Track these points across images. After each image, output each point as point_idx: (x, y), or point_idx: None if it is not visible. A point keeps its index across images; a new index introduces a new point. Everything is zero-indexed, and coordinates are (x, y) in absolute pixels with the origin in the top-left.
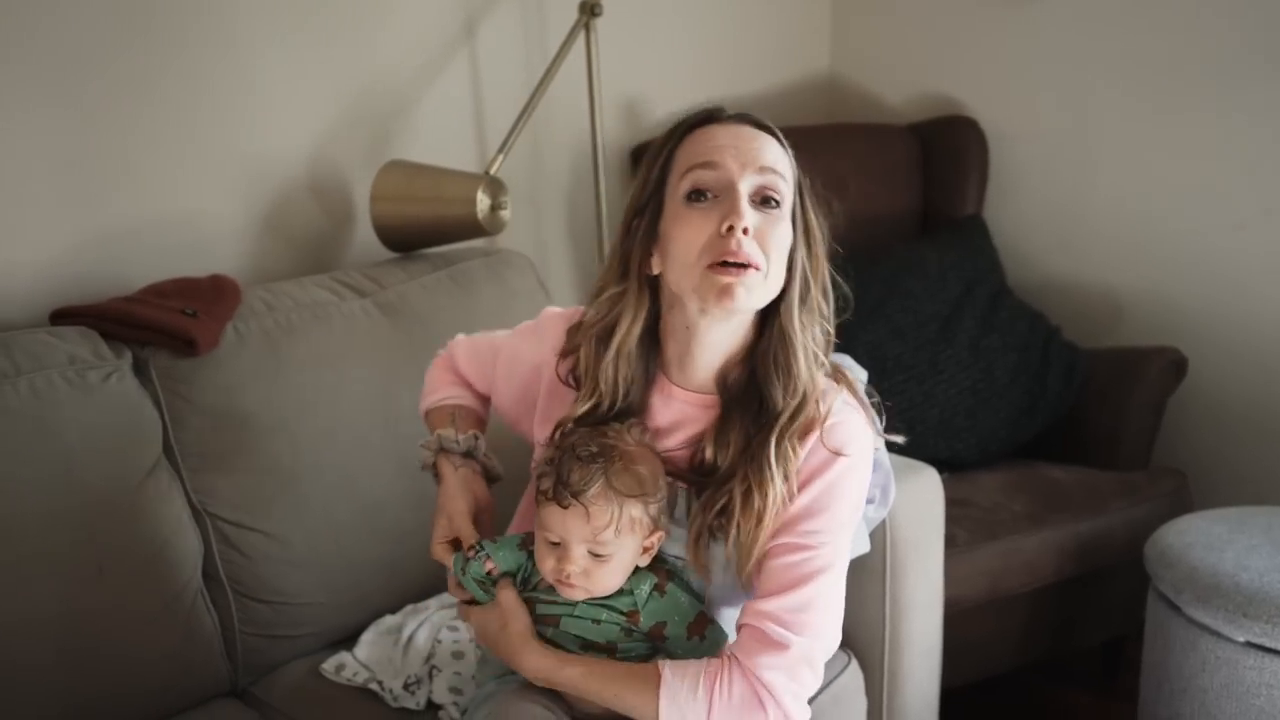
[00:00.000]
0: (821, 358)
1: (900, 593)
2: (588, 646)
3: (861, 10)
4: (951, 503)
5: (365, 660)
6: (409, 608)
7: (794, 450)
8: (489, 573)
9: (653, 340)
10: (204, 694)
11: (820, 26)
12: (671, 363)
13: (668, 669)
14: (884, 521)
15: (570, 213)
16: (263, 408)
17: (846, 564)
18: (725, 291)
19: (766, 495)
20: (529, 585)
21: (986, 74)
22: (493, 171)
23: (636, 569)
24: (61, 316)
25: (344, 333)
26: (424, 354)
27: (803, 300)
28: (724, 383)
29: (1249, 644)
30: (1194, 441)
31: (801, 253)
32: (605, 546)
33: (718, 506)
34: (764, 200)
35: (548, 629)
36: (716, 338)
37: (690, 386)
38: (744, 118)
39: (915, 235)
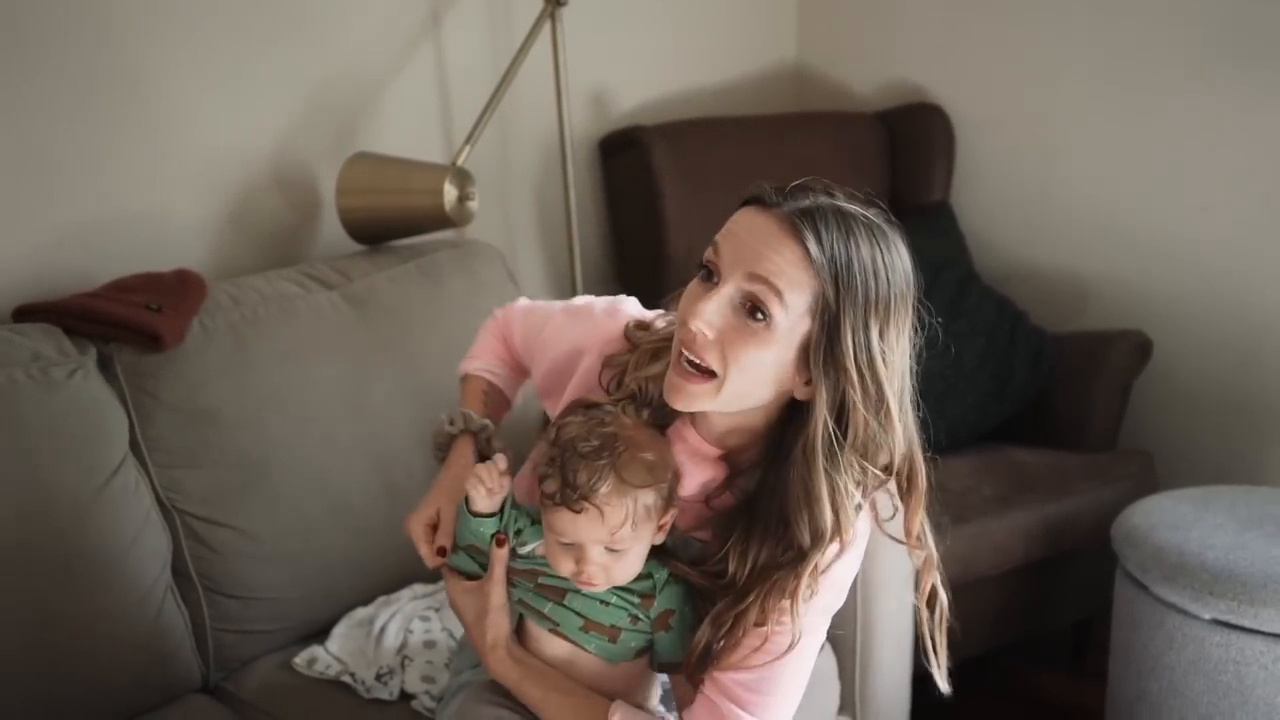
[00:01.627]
0: (858, 499)
1: (872, 577)
2: (589, 627)
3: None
4: None
5: (337, 653)
6: (381, 599)
7: (815, 588)
8: (495, 538)
9: None
10: (176, 690)
11: (786, 15)
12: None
13: (618, 713)
14: None
15: (539, 204)
16: (230, 403)
17: (817, 649)
18: (672, 389)
19: (781, 626)
20: (529, 551)
21: (953, 61)
22: (459, 163)
23: (651, 556)
24: (24, 314)
25: (311, 326)
26: (392, 345)
27: (829, 438)
28: (735, 456)
29: (1215, 621)
30: (1160, 423)
31: (825, 384)
32: (623, 542)
33: (726, 626)
34: (750, 309)
35: (547, 603)
36: (708, 414)
37: (701, 433)
38: (789, 214)
39: None
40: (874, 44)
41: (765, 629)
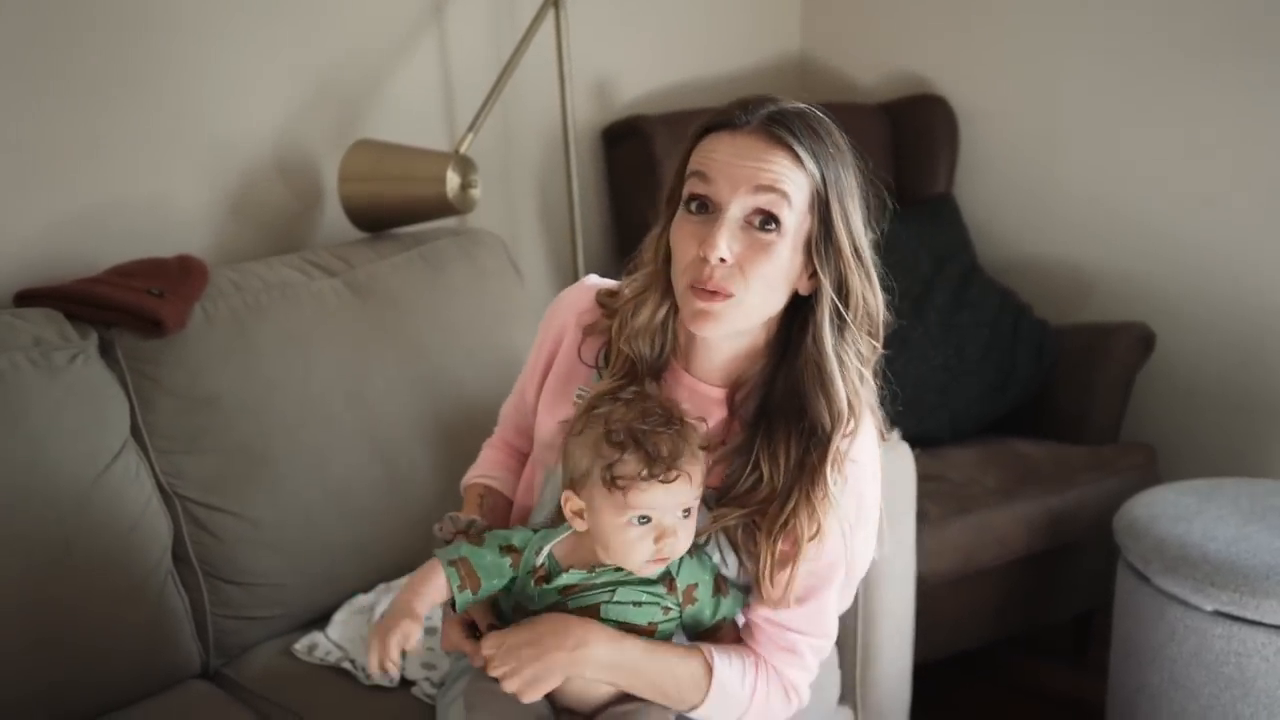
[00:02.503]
0: (867, 379)
1: (873, 566)
2: (629, 631)
3: None
4: (923, 478)
5: (338, 640)
6: (381, 586)
7: (843, 472)
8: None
9: (672, 332)
10: (175, 676)
11: (790, 5)
12: (683, 350)
13: (716, 649)
14: None
15: (541, 192)
16: (232, 388)
17: (863, 565)
18: (698, 317)
19: (827, 514)
20: (534, 592)
21: (957, 53)
22: (462, 150)
23: None
24: (26, 298)
25: (313, 313)
26: (395, 332)
27: (836, 320)
28: (732, 379)
29: (1217, 613)
30: (1162, 415)
31: (828, 271)
32: (695, 501)
33: (779, 532)
34: (761, 222)
35: None
36: (716, 342)
37: (699, 375)
38: (763, 125)
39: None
40: (878, 35)
41: (816, 540)
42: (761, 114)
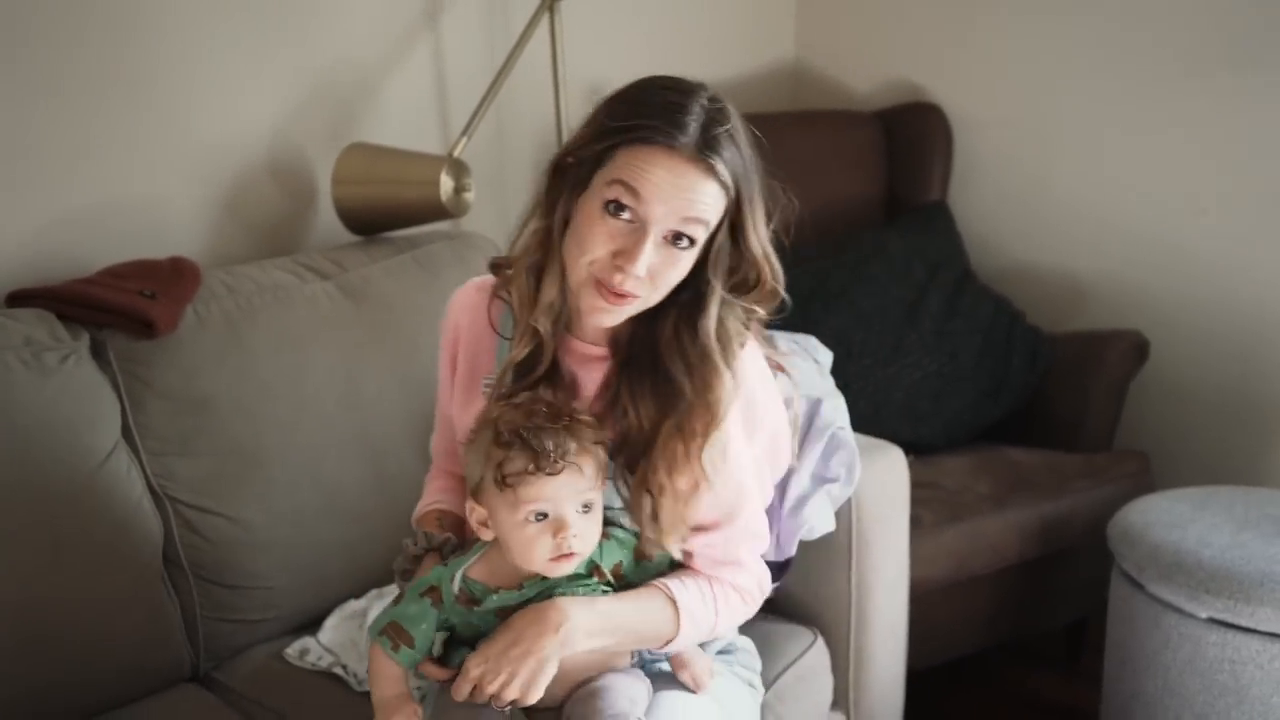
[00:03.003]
0: (737, 343)
1: (866, 570)
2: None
3: None
4: (916, 485)
5: (329, 644)
6: (373, 592)
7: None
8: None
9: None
10: (166, 679)
11: (785, 13)
12: (570, 320)
13: (669, 581)
14: (849, 499)
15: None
16: (224, 391)
17: (782, 463)
18: (596, 310)
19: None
20: (475, 619)
21: (951, 61)
22: (456, 154)
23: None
24: (17, 299)
25: (306, 315)
26: (387, 336)
27: (722, 309)
28: (614, 339)
29: (1211, 620)
30: (1156, 423)
31: (716, 275)
32: (593, 496)
33: (659, 469)
34: (676, 239)
35: None
36: None
37: (583, 338)
38: (697, 151)
39: (880, 222)
40: (872, 43)
41: (695, 475)
42: (696, 135)
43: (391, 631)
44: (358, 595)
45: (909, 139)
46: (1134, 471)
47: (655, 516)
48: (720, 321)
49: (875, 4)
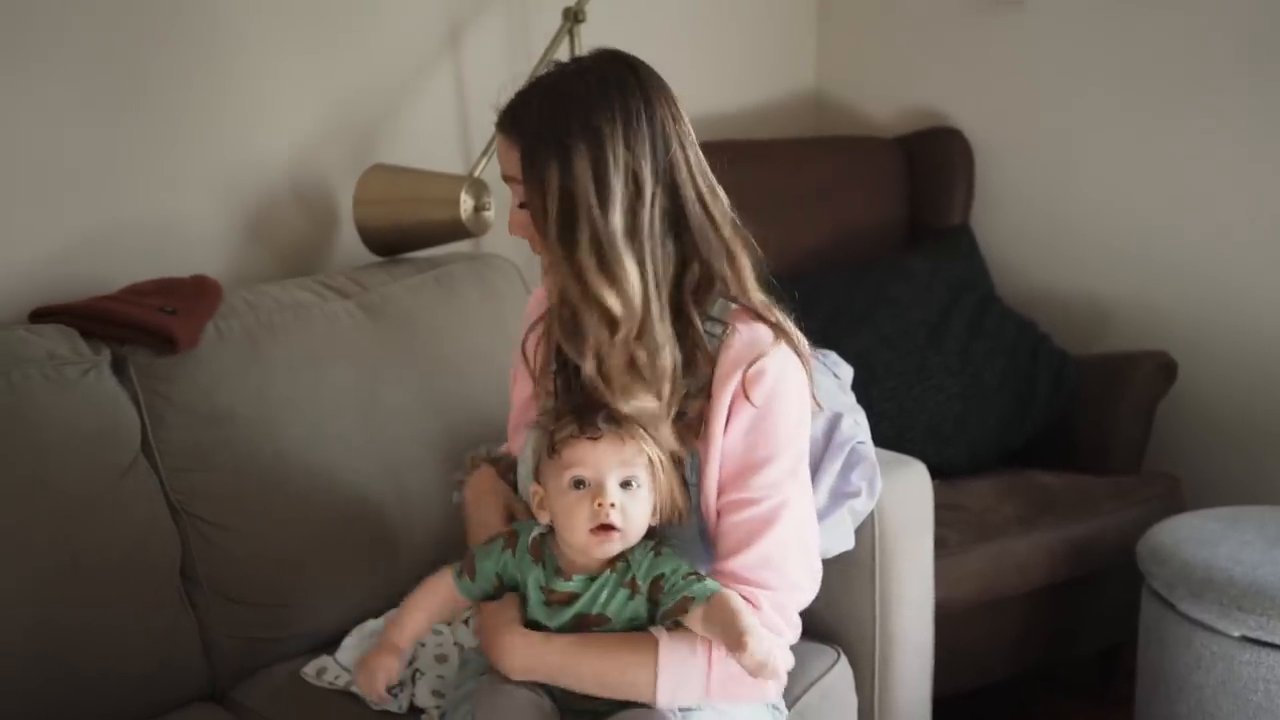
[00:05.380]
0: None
1: (890, 587)
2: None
3: (846, 26)
4: (942, 507)
5: (347, 664)
6: (391, 612)
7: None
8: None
9: None
10: (182, 697)
11: (806, 41)
12: None
13: (663, 632)
14: (872, 515)
15: None
16: (244, 407)
17: (806, 507)
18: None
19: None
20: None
21: (971, 86)
22: (476, 174)
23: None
24: (40, 315)
25: (326, 333)
26: (407, 354)
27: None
28: None
29: (1244, 638)
30: (1185, 446)
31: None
32: (636, 472)
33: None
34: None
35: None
36: None
37: None
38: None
39: (903, 247)
40: (893, 70)
41: (740, 513)
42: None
43: (466, 560)
44: (376, 614)
45: (931, 164)
46: (1164, 493)
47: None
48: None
49: (896, 31)
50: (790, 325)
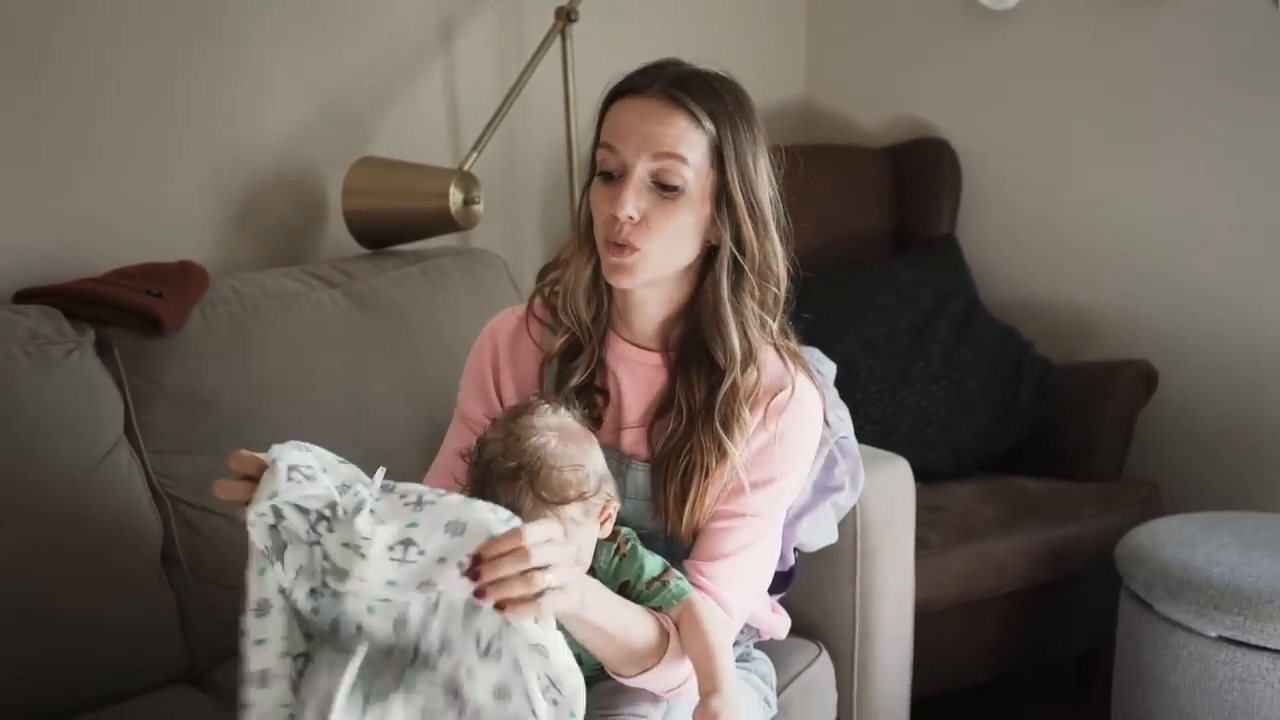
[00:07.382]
0: (769, 324)
1: (871, 581)
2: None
3: (835, 36)
4: (924, 509)
5: None
6: None
7: (742, 415)
8: None
9: (606, 293)
10: (160, 678)
11: (795, 50)
12: (618, 317)
13: (673, 626)
14: (854, 509)
15: (545, 216)
16: (228, 392)
17: (780, 528)
18: (613, 271)
19: (725, 455)
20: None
21: (959, 97)
22: (466, 168)
23: (599, 544)
24: (25, 297)
25: (313, 321)
26: (393, 344)
27: (732, 268)
28: (667, 341)
29: (1221, 638)
30: (1165, 453)
31: (726, 223)
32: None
33: (680, 470)
34: (660, 185)
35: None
36: (642, 297)
37: (636, 341)
38: (663, 89)
39: (889, 255)
40: (881, 80)
41: (730, 523)
42: (663, 78)
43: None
44: None
45: (917, 174)
46: (1143, 499)
47: (682, 501)
48: (733, 301)
49: (884, 42)
50: (803, 353)
